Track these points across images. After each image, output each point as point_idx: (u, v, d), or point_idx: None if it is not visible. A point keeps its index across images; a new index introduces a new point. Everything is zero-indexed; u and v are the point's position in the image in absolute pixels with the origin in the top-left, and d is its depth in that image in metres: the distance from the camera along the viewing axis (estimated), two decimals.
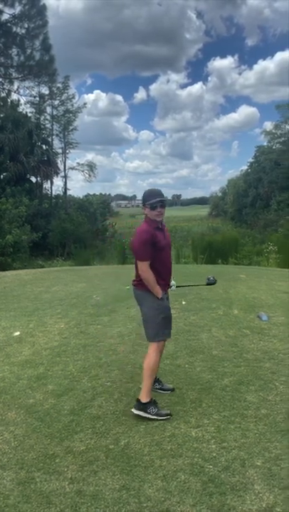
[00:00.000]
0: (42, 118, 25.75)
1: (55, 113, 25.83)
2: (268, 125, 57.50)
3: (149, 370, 2.99)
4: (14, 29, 20.68)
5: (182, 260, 14.18)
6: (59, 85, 24.50)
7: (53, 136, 26.08)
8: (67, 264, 16.98)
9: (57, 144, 26.36)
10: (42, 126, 25.40)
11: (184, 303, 5.91)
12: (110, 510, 2.10)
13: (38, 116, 25.36)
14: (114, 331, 4.91)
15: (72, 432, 2.84)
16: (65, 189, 27.17)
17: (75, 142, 27.07)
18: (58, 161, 26.37)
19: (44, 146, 25.00)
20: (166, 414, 2.94)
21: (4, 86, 22.23)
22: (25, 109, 24.47)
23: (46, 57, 21.31)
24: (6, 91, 22.56)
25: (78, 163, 28.50)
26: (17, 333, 4.98)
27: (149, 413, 2.92)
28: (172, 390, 3.36)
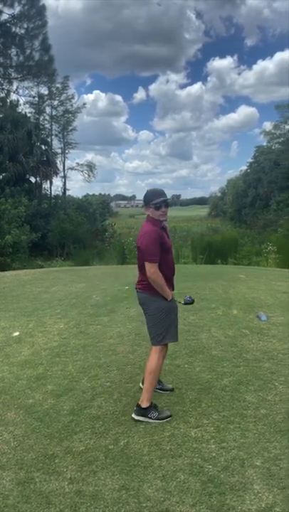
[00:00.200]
0: (41, 118, 25.80)
1: (54, 113, 25.89)
2: (268, 125, 57.65)
3: (151, 375, 2.94)
4: (13, 29, 20.74)
5: (182, 260, 14.19)
6: (58, 85, 24.59)
7: (53, 137, 26.18)
8: (67, 264, 16.98)
9: (56, 144, 26.45)
10: (41, 127, 25.42)
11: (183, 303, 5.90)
12: (110, 510, 2.10)
13: (37, 116, 25.39)
14: (113, 331, 4.91)
15: (71, 432, 2.84)
16: (65, 189, 27.25)
17: (75, 142, 27.16)
18: (58, 161, 26.45)
19: (43, 147, 24.99)
20: (167, 417, 2.93)
21: (3, 86, 22.28)
22: (25, 109, 24.57)
23: (45, 57, 21.35)
24: (5, 91, 22.62)
25: (77, 164, 28.62)
26: (16, 334, 4.98)
27: (150, 418, 2.90)
28: (172, 390, 3.35)
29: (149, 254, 2.83)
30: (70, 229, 22.44)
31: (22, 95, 23.62)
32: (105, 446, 2.65)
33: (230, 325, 4.99)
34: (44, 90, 24.36)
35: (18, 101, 23.86)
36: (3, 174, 21.89)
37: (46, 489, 2.27)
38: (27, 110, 24.70)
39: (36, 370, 3.91)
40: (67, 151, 26.88)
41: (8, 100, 23.26)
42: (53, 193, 27.06)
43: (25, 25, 20.70)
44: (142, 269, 2.93)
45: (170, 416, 2.94)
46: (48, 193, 26.78)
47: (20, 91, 23.25)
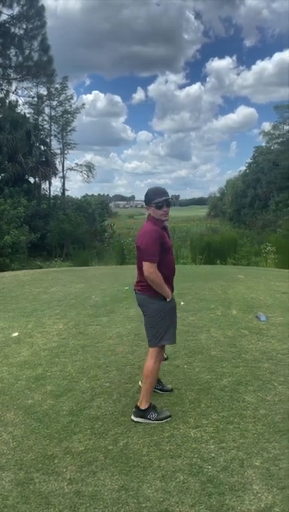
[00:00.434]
0: (40, 119, 25.76)
1: (53, 114, 25.84)
2: (267, 126, 57.75)
3: (148, 377, 2.92)
4: (12, 30, 20.73)
5: (181, 261, 14.19)
6: (57, 86, 24.53)
7: (52, 137, 26.12)
8: (66, 264, 16.97)
9: (55, 145, 26.40)
10: (40, 127, 25.38)
11: (182, 303, 5.91)
12: (109, 511, 2.11)
13: (36, 116, 25.34)
14: (112, 332, 4.91)
15: (70, 432, 2.83)
16: (64, 190, 27.20)
17: (74, 143, 27.09)
18: (57, 162, 26.37)
19: (42, 147, 24.96)
20: (166, 417, 2.92)
21: (2, 87, 22.26)
22: (24, 109, 24.51)
23: (44, 57, 21.35)
24: (4, 92, 22.59)
25: (77, 164, 28.59)
26: (15, 334, 4.97)
27: (149, 419, 2.89)
28: (171, 390, 3.35)
29: (148, 254, 2.78)
30: (69, 229, 22.42)
31: (21, 96, 23.64)
32: (105, 447, 2.65)
33: (229, 325, 4.99)
34: (43, 91, 24.36)
35: (17, 101, 23.87)
36: (2, 175, 21.86)
37: (45, 490, 2.27)
38: (26, 111, 24.70)
39: (35, 370, 3.91)
40: (66, 152, 26.88)
41: (7, 101, 23.23)
42: (52, 193, 27.07)
43: (25, 26, 20.71)
44: (141, 270, 2.87)
45: (169, 416, 2.94)
46: (47, 193, 26.75)
47: (20, 91, 23.27)
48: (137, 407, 2.94)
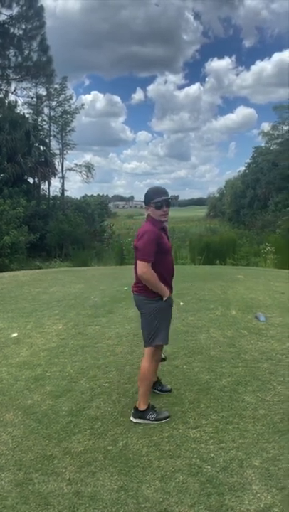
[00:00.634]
0: (39, 119, 25.76)
1: (52, 114, 25.85)
2: (266, 126, 57.74)
3: (145, 381, 2.91)
4: (12, 30, 20.73)
5: (180, 261, 14.18)
6: (56, 86, 24.54)
7: (51, 137, 26.13)
8: (65, 265, 16.95)
9: (54, 145, 26.42)
10: (39, 127, 25.39)
11: (181, 304, 5.92)
12: (108, 511, 2.10)
13: (35, 117, 25.35)
14: (112, 332, 4.91)
15: (70, 433, 2.83)
16: (63, 190, 27.20)
17: (73, 143, 27.10)
18: (56, 162, 26.37)
19: (42, 147, 24.97)
20: (166, 417, 2.92)
21: (1, 87, 22.22)
22: (23, 110, 24.49)
23: (44, 58, 21.35)
24: (4, 92, 22.54)
25: (76, 164, 28.56)
26: (15, 335, 4.97)
27: (148, 419, 2.88)
28: (170, 390, 3.35)
29: (143, 253, 2.75)
30: (69, 230, 22.42)
31: (20, 96, 23.60)
32: (104, 447, 2.65)
33: (228, 325, 5.00)
34: (42, 91, 24.35)
35: (16, 102, 23.85)
36: (2, 175, 21.83)
37: (45, 490, 2.27)
38: (25, 111, 24.69)
39: (35, 371, 3.91)
40: (65, 152, 26.87)
41: (7, 101, 23.19)
42: (51, 193, 27.08)
43: (24, 26, 20.70)
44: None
45: (169, 417, 2.94)
46: (47, 193, 26.76)
47: (19, 92, 23.23)
48: (136, 408, 2.93)
